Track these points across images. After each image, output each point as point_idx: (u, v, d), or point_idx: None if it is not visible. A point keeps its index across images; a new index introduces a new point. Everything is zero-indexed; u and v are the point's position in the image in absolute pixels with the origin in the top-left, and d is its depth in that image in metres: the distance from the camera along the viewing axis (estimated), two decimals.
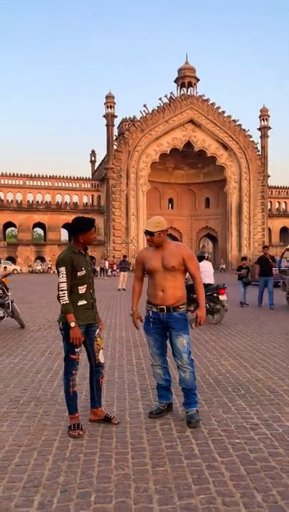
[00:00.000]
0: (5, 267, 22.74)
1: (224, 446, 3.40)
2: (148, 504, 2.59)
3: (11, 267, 41.56)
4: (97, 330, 3.98)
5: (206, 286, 9.11)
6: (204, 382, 5.12)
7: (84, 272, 3.82)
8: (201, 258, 9.98)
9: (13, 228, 56.60)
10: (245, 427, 3.78)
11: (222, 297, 9.77)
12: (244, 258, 15.27)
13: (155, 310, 3.99)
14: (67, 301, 3.71)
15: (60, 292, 3.73)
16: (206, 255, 10.97)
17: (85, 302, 3.85)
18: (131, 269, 31.57)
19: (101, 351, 3.99)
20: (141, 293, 4.25)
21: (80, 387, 4.47)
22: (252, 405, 4.34)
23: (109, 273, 38.90)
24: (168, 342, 4.10)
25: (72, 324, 3.69)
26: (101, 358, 3.98)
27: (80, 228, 3.81)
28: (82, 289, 3.82)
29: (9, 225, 53.11)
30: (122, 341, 7.81)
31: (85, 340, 3.90)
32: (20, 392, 4.82)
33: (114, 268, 38.19)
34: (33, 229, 54.42)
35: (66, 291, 3.72)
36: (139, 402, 4.49)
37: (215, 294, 9.79)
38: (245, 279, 13.59)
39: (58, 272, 3.77)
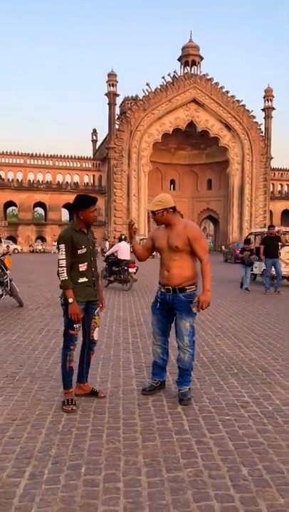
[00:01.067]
0: (7, 246, 22.72)
1: (214, 422, 3.47)
2: (136, 476, 2.66)
3: (11, 246, 41.65)
4: (97, 308, 4.03)
5: (122, 261, 12.74)
6: (198, 361, 5.18)
7: (84, 249, 3.84)
8: (120, 239, 13.69)
9: (14, 208, 56.56)
10: (236, 405, 3.85)
11: (131, 270, 12.58)
12: (248, 241, 14.38)
13: (163, 290, 4.02)
14: (66, 278, 3.76)
15: (60, 269, 3.78)
16: (123, 237, 13.93)
17: (86, 279, 3.88)
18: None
19: (97, 329, 4.05)
20: (142, 253, 4.25)
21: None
22: (244, 384, 4.41)
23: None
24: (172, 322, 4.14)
25: (71, 300, 3.74)
26: (95, 335, 4.04)
27: (80, 204, 3.84)
28: (82, 267, 3.86)
29: (10, 204, 53.05)
30: (120, 320, 7.88)
31: (84, 317, 3.95)
32: (16, 368, 4.90)
33: None
34: (33, 208, 54.37)
35: (65, 268, 3.76)
36: (133, 379, 4.56)
37: (126, 267, 12.61)
38: (248, 259, 12.95)
39: (58, 249, 3.82)
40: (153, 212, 3.94)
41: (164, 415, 3.61)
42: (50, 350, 5.68)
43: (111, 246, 40.37)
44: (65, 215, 57.74)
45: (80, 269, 3.86)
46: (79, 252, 3.83)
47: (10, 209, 59.11)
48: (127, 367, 4.99)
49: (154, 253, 4.31)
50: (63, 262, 3.78)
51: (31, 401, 3.91)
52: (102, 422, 3.47)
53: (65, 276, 3.77)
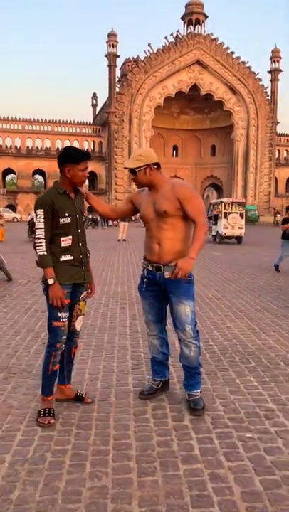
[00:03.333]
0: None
1: (232, 443, 2.66)
2: None
3: (10, 214, 40.62)
4: (84, 292, 3.18)
5: None
6: (207, 350, 4.37)
7: (69, 219, 2.98)
8: None
9: (13, 175, 55.22)
10: (258, 414, 3.04)
11: None
12: None
13: (151, 268, 3.15)
14: (45, 252, 2.92)
15: (37, 241, 2.94)
16: None
17: (70, 257, 3.03)
18: (134, 219, 30.63)
19: (80, 318, 3.21)
20: (104, 207, 3.39)
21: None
22: (265, 383, 3.59)
23: (110, 223, 37.97)
24: (167, 307, 3.30)
25: (51, 281, 2.92)
26: (77, 324, 3.19)
27: (67, 158, 2.95)
28: (65, 241, 2.99)
29: (8, 171, 51.75)
30: (117, 298, 7.05)
31: (70, 302, 3.12)
32: None
33: None
34: (33, 176, 53.03)
35: (44, 240, 2.92)
36: (129, 375, 3.74)
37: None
38: None
39: (36, 216, 2.97)
40: (132, 170, 3.03)
41: (167, 431, 2.80)
42: (34, 336, 4.87)
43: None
44: None
45: (63, 244, 2.99)
46: (61, 221, 2.96)
47: (9, 177, 57.79)
48: (123, 358, 4.18)
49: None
50: (41, 233, 2.93)
51: (0, 408, 3.11)
52: (86, 442, 2.67)
53: (43, 250, 2.92)
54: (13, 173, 51.66)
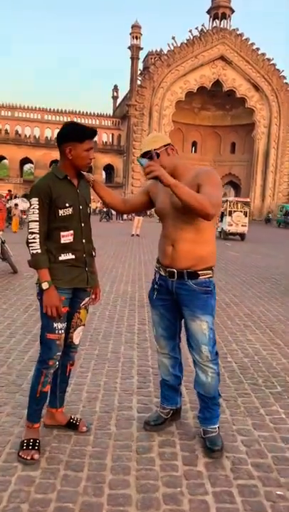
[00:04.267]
0: (15, 205, 21.28)
1: (258, 504, 2.10)
2: None
3: (26, 204, 40.32)
4: (86, 298, 2.64)
5: None
6: (226, 369, 3.80)
7: (70, 210, 2.44)
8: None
9: (31, 165, 55.01)
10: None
11: None
12: None
13: (163, 273, 2.60)
14: (39, 250, 2.38)
15: (29, 236, 2.41)
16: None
17: (71, 256, 2.49)
18: (148, 213, 30.02)
19: (80, 329, 2.67)
20: (113, 198, 2.77)
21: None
22: None
23: (124, 217, 37.43)
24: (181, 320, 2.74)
25: (45, 285, 2.39)
26: (76, 337, 2.66)
27: (68, 135, 2.41)
28: (66, 237, 2.45)
29: (26, 161, 51.51)
30: (126, 298, 6.50)
31: (68, 310, 2.60)
32: None
33: None
34: (50, 166, 52.66)
35: (38, 236, 2.39)
36: (134, 396, 3.20)
37: None
38: None
39: (30, 205, 2.44)
40: (150, 155, 2.42)
41: (176, 480, 2.24)
42: (32, 339, 4.36)
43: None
44: None
45: (63, 240, 2.45)
46: (61, 212, 2.42)
47: (27, 166, 57.58)
48: (128, 373, 3.63)
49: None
50: (35, 227, 2.40)
51: None
52: (74, 490, 2.13)
53: (36, 248, 2.39)
54: (31, 162, 51.40)
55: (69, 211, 2.44)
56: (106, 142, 51.11)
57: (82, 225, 2.54)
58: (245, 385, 3.50)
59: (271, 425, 2.86)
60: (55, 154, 48.65)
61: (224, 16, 47.62)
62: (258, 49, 47.81)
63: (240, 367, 3.89)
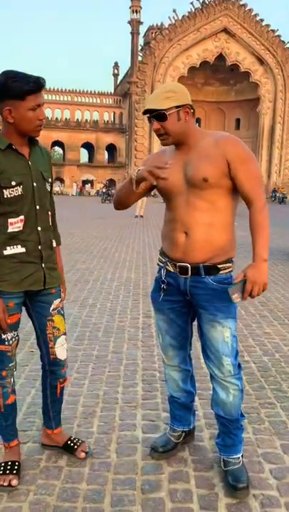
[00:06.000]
0: None
1: None
2: None
3: None
4: (56, 301, 2.12)
5: None
6: (244, 371, 3.30)
7: (19, 189, 1.89)
8: None
9: None
10: None
11: None
12: None
13: (171, 269, 2.07)
14: None
15: None
16: None
17: (21, 250, 1.95)
18: (152, 194, 29.43)
19: (60, 339, 2.15)
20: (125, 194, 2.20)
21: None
22: None
23: None
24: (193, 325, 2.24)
25: None
26: (59, 351, 2.16)
27: (3, 92, 1.80)
28: (14, 224, 1.92)
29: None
30: (129, 286, 6.01)
31: (32, 320, 2.11)
32: None
33: None
34: (51, 148, 51.76)
35: None
36: (139, 410, 2.72)
37: None
38: None
39: None
40: (157, 115, 1.90)
41: None
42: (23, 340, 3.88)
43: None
44: (84, 155, 55.14)
45: (10, 229, 1.91)
46: (6, 193, 1.87)
47: None
48: (131, 379, 3.15)
49: (155, 192, 2.39)
50: None
51: None
52: None
53: None
54: None
55: (18, 191, 1.89)
56: (107, 121, 50.06)
57: (38, 207, 1.98)
58: (267, 391, 3.02)
59: None
60: (56, 135, 48.18)
61: None
62: (261, 20, 46.24)
63: (259, 368, 3.40)
